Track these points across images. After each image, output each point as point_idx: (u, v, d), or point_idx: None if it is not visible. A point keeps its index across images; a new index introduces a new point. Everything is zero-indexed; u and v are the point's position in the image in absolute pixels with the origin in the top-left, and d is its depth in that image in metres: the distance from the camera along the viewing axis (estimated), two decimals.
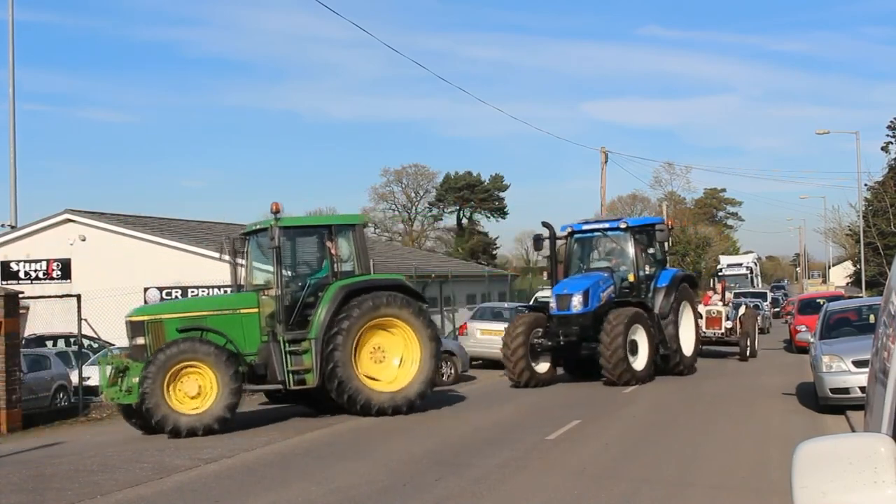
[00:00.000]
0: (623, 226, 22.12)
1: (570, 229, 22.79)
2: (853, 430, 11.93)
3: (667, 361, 21.51)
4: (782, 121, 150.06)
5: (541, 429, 13.90)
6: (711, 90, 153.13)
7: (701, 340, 26.32)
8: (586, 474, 10.46)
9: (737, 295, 40.94)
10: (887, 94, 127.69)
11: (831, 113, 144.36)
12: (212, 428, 14.35)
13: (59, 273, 26.73)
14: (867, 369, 4.85)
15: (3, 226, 29.18)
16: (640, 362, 20.20)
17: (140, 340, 15.09)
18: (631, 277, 21.68)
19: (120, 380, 14.73)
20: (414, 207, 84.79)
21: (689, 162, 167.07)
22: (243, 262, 17.33)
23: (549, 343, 20.59)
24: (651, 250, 22.49)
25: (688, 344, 22.38)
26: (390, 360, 16.12)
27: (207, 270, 24.16)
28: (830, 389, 14.44)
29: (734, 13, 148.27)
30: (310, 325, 15.58)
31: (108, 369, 14.94)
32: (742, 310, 27.76)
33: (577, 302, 20.34)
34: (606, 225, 22.85)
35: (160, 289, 25.23)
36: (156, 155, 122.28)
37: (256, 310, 15.76)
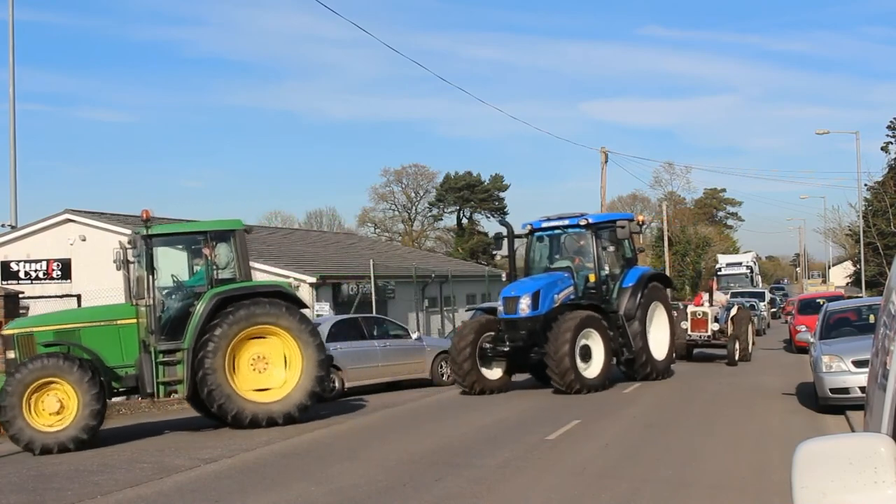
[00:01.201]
0: (584, 222, 20.48)
1: (529, 227, 21.49)
2: (853, 430, 11.93)
3: (632, 366, 20.25)
4: (782, 121, 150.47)
5: (541, 429, 13.88)
6: (711, 90, 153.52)
7: (688, 344, 25.47)
8: (586, 474, 10.44)
9: (734, 295, 40.46)
10: (887, 94, 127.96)
11: (831, 113, 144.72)
12: (70, 445, 13.84)
13: (59, 273, 26.63)
14: (867, 369, 4.85)
15: (3, 226, 29.12)
16: (593, 369, 18.82)
17: (11, 354, 14.78)
18: (592, 277, 20.40)
19: None
20: (414, 207, 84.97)
21: (689, 162, 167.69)
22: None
23: (500, 348, 19.51)
24: (615, 248, 20.96)
25: (659, 347, 20.78)
26: (272, 369, 15.45)
27: None
28: (830, 389, 14.43)
29: (734, 13, 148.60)
30: (184, 334, 15.11)
31: None
32: (734, 310, 26.15)
33: (524, 305, 19.29)
34: (567, 222, 20.93)
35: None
36: (155, 155, 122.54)
37: (134, 320, 15.31)
